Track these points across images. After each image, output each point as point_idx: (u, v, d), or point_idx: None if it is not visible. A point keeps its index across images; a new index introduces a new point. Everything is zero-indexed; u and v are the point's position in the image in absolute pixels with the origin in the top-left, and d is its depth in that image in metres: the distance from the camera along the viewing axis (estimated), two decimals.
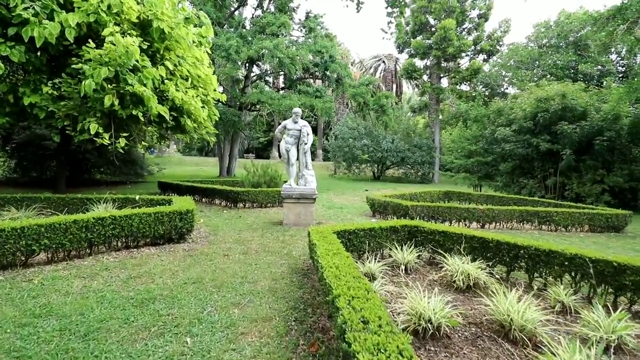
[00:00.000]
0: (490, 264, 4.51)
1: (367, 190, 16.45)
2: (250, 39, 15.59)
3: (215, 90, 9.15)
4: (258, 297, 3.62)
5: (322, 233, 4.35)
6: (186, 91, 7.61)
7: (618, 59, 20.63)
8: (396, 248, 4.87)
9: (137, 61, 6.44)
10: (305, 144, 7.27)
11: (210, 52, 10.78)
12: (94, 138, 6.46)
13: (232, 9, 17.93)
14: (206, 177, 20.76)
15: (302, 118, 7.07)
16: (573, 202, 12.02)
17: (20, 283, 3.76)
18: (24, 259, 4.23)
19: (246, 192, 9.22)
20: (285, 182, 9.54)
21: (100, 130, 6.38)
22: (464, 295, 3.95)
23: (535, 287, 4.17)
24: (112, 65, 6.10)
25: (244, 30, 16.61)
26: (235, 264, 4.68)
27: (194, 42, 8.41)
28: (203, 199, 10.66)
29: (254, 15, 19.80)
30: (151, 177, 18.78)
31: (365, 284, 2.74)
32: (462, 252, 4.63)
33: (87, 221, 4.58)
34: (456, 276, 4.13)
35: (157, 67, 6.91)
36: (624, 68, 20.86)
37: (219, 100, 17.55)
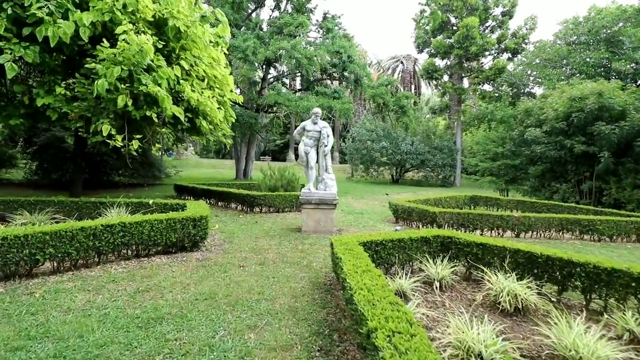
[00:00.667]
0: (538, 282, 3.96)
1: (387, 194, 15.88)
2: (267, 40, 15.35)
3: (232, 91, 8.86)
4: (277, 319, 3.21)
5: (346, 245, 3.90)
6: (202, 92, 7.33)
7: None
8: (428, 261, 4.38)
9: (151, 61, 6.20)
10: (325, 146, 6.85)
11: (227, 53, 10.57)
12: (107, 140, 6.24)
13: (250, 10, 17.77)
14: (222, 180, 20.68)
15: (320, 119, 6.67)
16: (612, 208, 11.14)
17: (21, 297, 3.48)
18: (27, 268, 3.97)
19: (263, 196, 8.88)
20: (304, 186, 9.17)
21: (113, 132, 6.16)
22: (511, 320, 3.42)
23: (585, 309, 3.59)
24: (126, 64, 5.87)
25: (261, 31, 16.42)
26: (251, 277, 4.29)
27: (210, 42, 8.16)
28: (219, 203, 10.40)
29: (271, 17, 19.63)
30: (168, 179, 18.79)
31: (406, 312, 2.28)
32: (505, 267, 4.09)
33: (95, 228, 4.30)
34: (501, 297, 3.60)
35: (173, 67, 6.66)
36: None
37: (235, 102, 17.46)
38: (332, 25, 17.70)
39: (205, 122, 7.40)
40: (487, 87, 26.71)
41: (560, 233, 7.38)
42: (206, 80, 7.98)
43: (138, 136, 6.99)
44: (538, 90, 24.68)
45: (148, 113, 6.34)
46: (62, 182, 14.78)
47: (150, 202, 6.93)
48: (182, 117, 6.52)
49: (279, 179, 10.70)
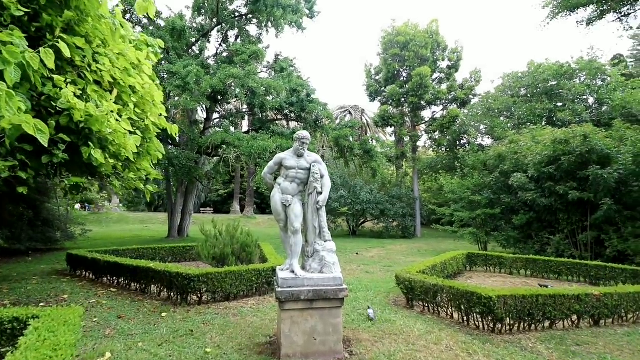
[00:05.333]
0: None
1: (357, 253, 13.17)
2: (214, 70, 12.76)
3: (161, 115, 5.83)
4: None
5: None
6: (101, 102, 4.22)
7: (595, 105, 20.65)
8: None
9: None
10: (319, 193, 4.05)
11: (159, 78, 7.69)
12: None
13: (193, 40, 15.26)
14: (150, 240, 16.28)
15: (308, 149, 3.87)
16: (615, 262, 9.68)
17: None
18: None
19: (203, 275, 5.52)
20: (277, 266, 6.15)
21: None
22: None
23: None
24: None
25: (207, 62, 13.86)
26: None
27: (131, 42, 5.27)
28: (132, 285, 6.70)
29: (218, 52, 17.32)
30: (73, 242, 14.00)
31: None
32: None
33: None
34: None
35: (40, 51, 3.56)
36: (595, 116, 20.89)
37: (169, 139, 14.04)
38: (286, 65, 15.84)
39: (101, 153, 4.16)
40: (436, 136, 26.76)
41: None
42: (116, 91, 4.88)
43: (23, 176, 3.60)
44: (486, 141, 25.19)
45: None
46: None
47: None
48: (45, 138, 3.29)
49: (228, 242, 7.42)
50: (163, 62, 11.96)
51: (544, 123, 16.89)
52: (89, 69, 4.49)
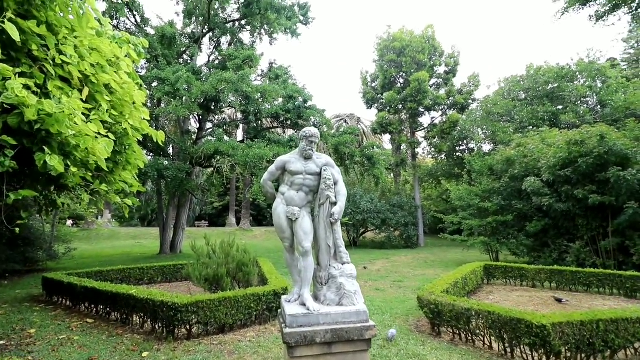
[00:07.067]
0: None
1: (365, 267, 12.31)
2: (206, 76, 12.06)
3: (144, 119, 5.04)
4: None
5: None
6: (60, 99, 3.43)
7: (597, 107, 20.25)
8: None
9: None
10: (333, 203, 3.27)
11: (147, 85, 6.94)
12: None
13: (184, 49, 14.60)
14: (141, 256, 15.29)
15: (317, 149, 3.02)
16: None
17: None
18: None
19: (192, 304, 4.65)
20: (282, 293, 5.44)
21: None
22: None
23: None
24: None
25: (198, 68, 13.17)
26: None
27: (110, 39, 4.53)
28: (112, 315, 5.81)
29: (210, 60, 16.69)
30: (55, 262, 12.99)
31: None
32: None
33: None
34: None
35: None
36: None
37: (158, 149, 13.12)
38: (281, 72, 15.20)
39: (59, 160, 3.35)
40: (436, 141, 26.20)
41: None
42: (87, 90, 4.09)
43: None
44: (486, 146, 24.63)
45: None
46: None
47: None
48: None
49: (222, 261, 6.56)
50: (152, 69, 11.24)
51: (547, 126, 16.35)
52: (52, 63, 3.71)
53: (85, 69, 3.97)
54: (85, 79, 4.08)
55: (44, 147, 3.40)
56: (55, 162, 3.29)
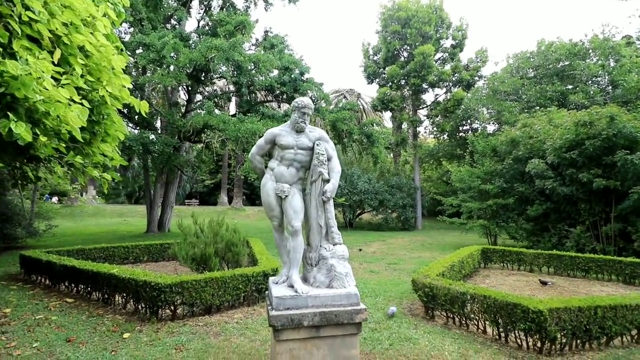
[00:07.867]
0: None
1: (360, 249, 12.20)
2: (195, 43, 11.40)
3: (123, 87, 4.62)
4: None
5: None
6: (27, 60, 3.04)
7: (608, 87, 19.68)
8: None
9: None
10: (326, 180, 3.00)
11: (130, 52, 6.46)
12: None
13: (170, 12, 13.74)
14: (128, 235, 14.99)
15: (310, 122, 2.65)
16: None
17: None
18: None
19: (177, 284, 4.44)
20: (272, 274, 5.24)
21: None
22: None
23: None
24: None
25: (187, 34, 12.45)
26: None
27: None
28: (93, 294, 5.58)
29: (200, 25, 15.79)
30: (35, 239, 12.46)
31: None
32: None
33: None
34: None
35: None
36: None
37: (143, 122, 12.45)
38: (277, 42, 14.48)
39: (26, 128, 3.00)
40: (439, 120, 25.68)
41: None
42: (59, 52, 3.65)
43: None
44: (490, 126, 24.13)
45: None
46: None
47: None
48: None
49: (210, 240, 6.33)
50: (136, 34, 10.53)
51: (555, 106, 15.91)
52: (17, 20, 3.27)
53: (57, 28, 3.55)
54: (57, 40, 3.67)
55: (9, 113, 3.04)
56: (21, 130, 2.96)
